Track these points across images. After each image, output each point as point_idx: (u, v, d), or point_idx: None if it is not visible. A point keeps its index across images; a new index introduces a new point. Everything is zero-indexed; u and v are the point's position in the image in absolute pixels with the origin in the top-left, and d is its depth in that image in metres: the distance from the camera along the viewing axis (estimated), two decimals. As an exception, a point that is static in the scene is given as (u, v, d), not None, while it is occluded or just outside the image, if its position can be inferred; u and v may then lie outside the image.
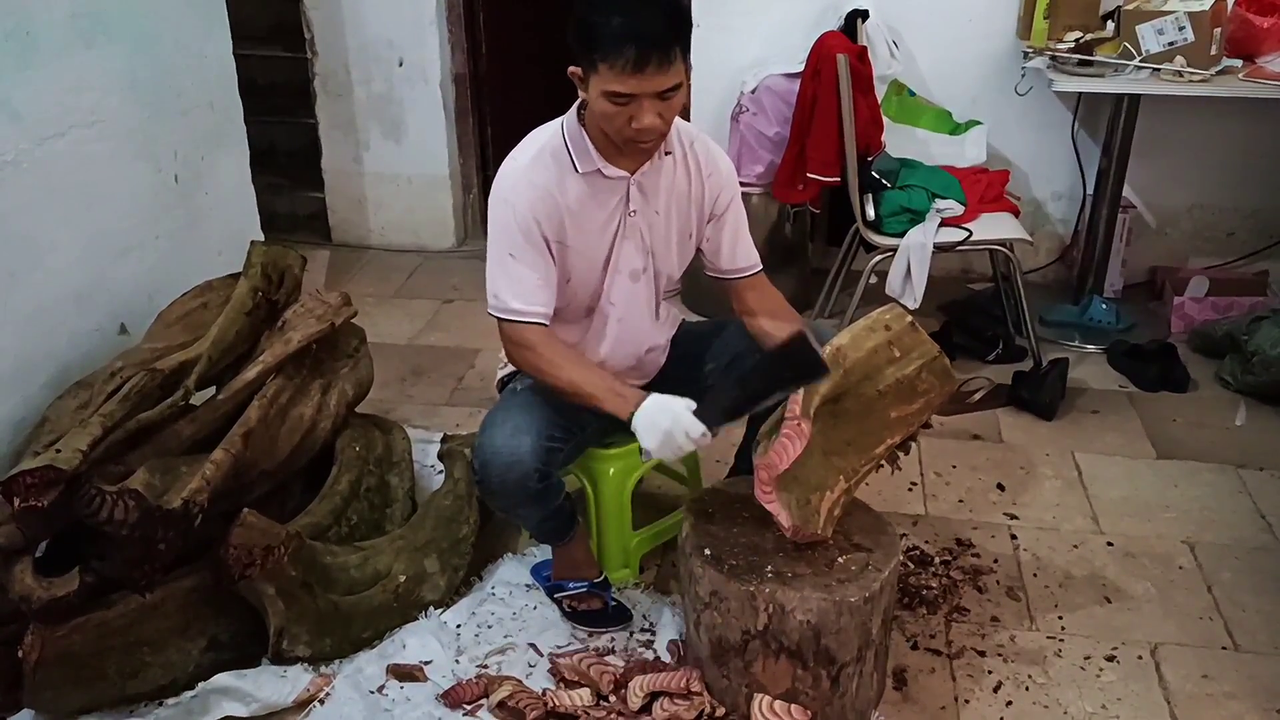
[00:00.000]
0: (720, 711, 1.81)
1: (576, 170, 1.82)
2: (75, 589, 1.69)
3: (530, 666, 1.96)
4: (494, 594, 2.15)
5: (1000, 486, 2.54)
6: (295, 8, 3.72)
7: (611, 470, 2.11)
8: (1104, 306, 3.28)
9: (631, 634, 2.05)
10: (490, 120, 4.02)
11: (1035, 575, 2.23)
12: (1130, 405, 2.91)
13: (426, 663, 1.95)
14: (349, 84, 3.79)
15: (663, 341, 2.08)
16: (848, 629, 1.71)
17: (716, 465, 2.45)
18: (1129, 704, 1.90)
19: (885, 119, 3.10)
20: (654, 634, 2.05)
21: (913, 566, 2.23)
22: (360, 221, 4.00)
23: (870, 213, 2.96)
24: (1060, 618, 2.11)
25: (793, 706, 1.75)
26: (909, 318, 1.80)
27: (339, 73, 3.78)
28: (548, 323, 1.84)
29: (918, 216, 2.92)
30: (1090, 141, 3.44)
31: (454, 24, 3.76)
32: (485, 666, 1.96)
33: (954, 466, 2.62)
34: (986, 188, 3.05)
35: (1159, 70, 2.88)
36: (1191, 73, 2.85)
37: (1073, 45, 2.97)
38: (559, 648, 2.01)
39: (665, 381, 2.10)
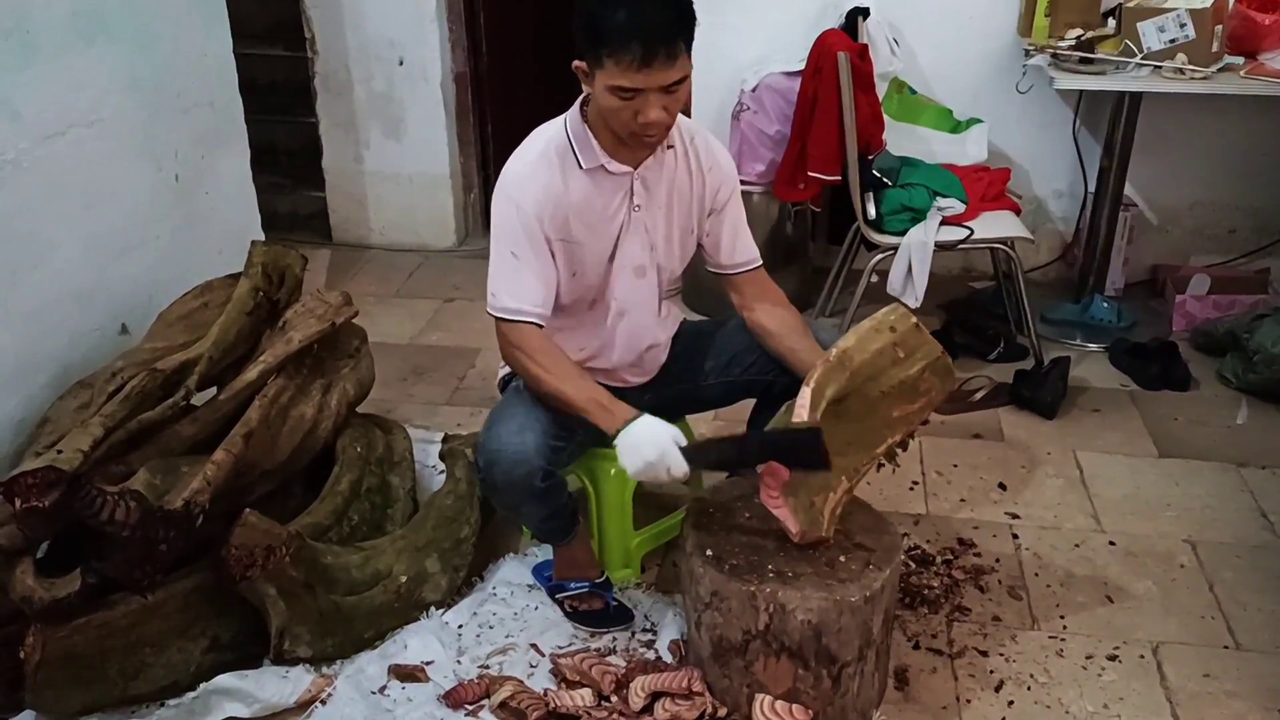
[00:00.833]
0: (722, 711, 1.81)
1: (581, 166, 1.82)
2: (76, 590, 1.69)
3: (532, 667, 1.96)
4: (495, 594, 2.15)
5: (1002, 485, 2.54)
6: (295, 6, 3.71)
7: (613, 470, 2.10)
8: (1105, 305, 3.28)
9: (633, 634, 2.05)
10: (491, 119, 4.02)
11: (1037, 574, 2.23)
12: (1132, 404, 2.91)
13: (428, 663, 1.95)
14: (349, 83, 3.79)
15: (664, 339, 2.08)
16: (849, 629, 1.71)
17: (718, 464, 2.45)
18: (1131, 703, 1.90)
19: (886, 117, 3.10)
20: (655, 634, 2.05)
21: (914, 566, 2.23)
22: (361, 221, 4.00)
23: (871, 211, 2.95)
24: (1062, 617, 2.11)
25: (794, 706, 1.75)
26: (913, 318, 1.80)
27: (339, 71, 3.77)
28: (543, 324, 1.83)
29: (919, 215, 2.92)
30: (1091, 139, 3.43)
31: (454, 22, 3.76)
32: (487, 667, 1.96)
33: (955, 465, 2.62)
34: (988, 186, 3.04)
35: (1160, 68, 2.87)
36: (1193, 70, 2.84)
37: (1074, 43, 2.96)
38: (560, 648, 2.00)
39: (666, 379, 2.10)
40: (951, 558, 2.27)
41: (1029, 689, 1.93)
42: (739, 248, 1.99)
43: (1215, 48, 2.85)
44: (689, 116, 3.34)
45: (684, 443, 1.72)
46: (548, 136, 1.84)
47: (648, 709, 1.82)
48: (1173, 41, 2.86)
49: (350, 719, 1.83)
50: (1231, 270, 3.45)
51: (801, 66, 3.02)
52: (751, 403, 2.15)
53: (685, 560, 1.83)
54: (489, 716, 1.84)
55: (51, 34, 2.18)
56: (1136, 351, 3.07)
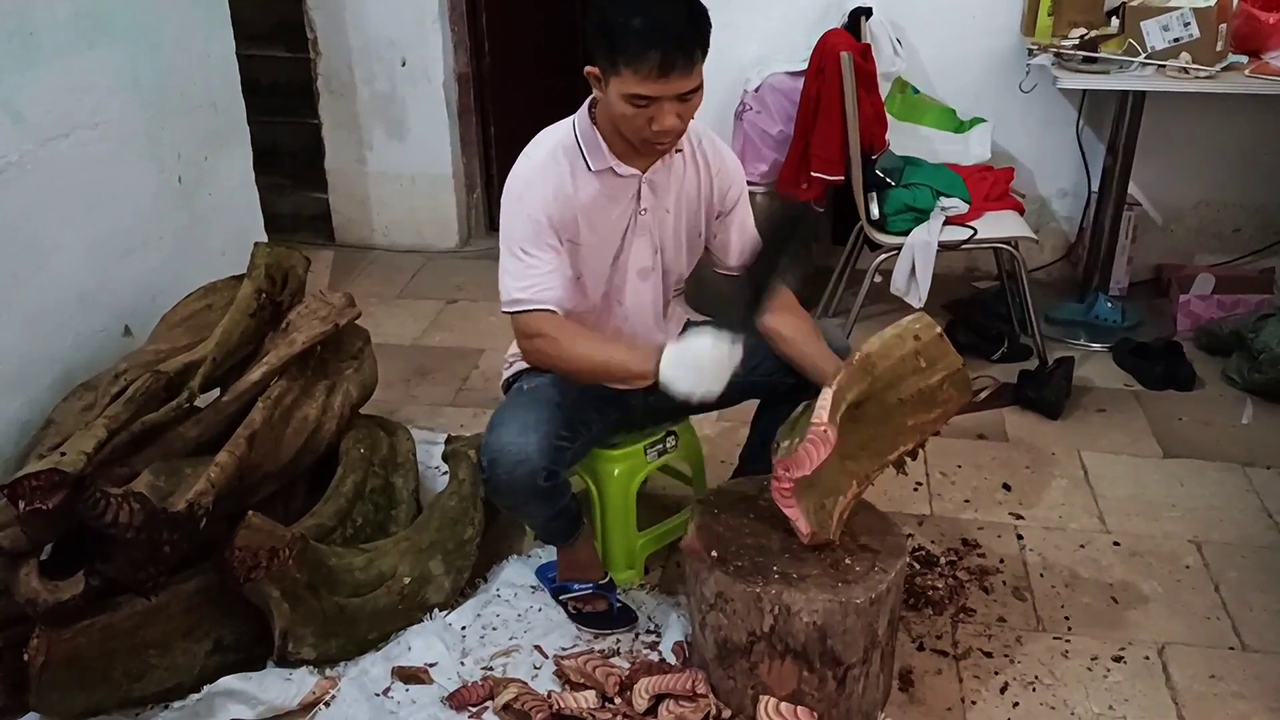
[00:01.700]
0: (726, 713, 1.81)
1: (589, 168, 1.81)
2: (80, 592, 1.69)
3: (535, 668, 1.96)
4: (499, 596, 2.15)
5: (1006, 486, 2.54)
6: (298, 7, 3.71)
7: (616, 471, 2.10)
8: (1109, 304, 3.27)
9: (637, 635, 2.05)
10: (493, 119, 4.01)
11: (1042, 575, 2.23)
12: (1136, 404, 2.90)
13: (431, 665, 1.95)
14: (352, 83, 3.79)
15: (668, 341, 2.07)
16: (854, 630, 1.71)
17: (721, 466, 2.44)
18: (1136, 704, 1.90)
19: (889, 117, 3.09)
20: (659, 635, 2.04)
21: (918, 567, 2.23)
22: (364, 222, 4.00)
23: (874, 211, 2.95)
24: (1067, 618, 2.10)
25: (799, 708, 1.75)
26: (938, 329, 1.80)
27: (342, 72, 3.77)
28: (559, 310, 1.81)
29: (922, 215, 2.92)
30: (1095, 138, 3.43)
31: (456, 23, 3.76)
32: (490, 668, 1.96)
33: (959, 466, 2.62)
34: (991, 185, 3.04)
35: (1164, 67, 2.87)
36: (1197, 69, 2.84)
37: (1077, 42, 2.96)
38: (564, 649, 2.00)
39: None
40: (956, 559, 2.26)
41: (1034, 690, 1.92)
42: (747, 249, 1.99)
43: (1219, 46, 2.85)
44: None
45: (714, 333, 1.66)
46: (556, 138, 1.84)
47: (651, 711, 1.82)
48: (1176, 40, 2.85)
49: (354, 721, 1.83)
50: (1236, 270, 3.44)
51: (804, 66, 3.02)
52: (752, 403, 2.15)
53: (689, 561, 1.83)
54: (492, 718, 1.84)
55: (54, 35, 2.18)
56: (1141, 351, 3.07)
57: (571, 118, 1.85)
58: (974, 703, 1.90)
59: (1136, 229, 3.41)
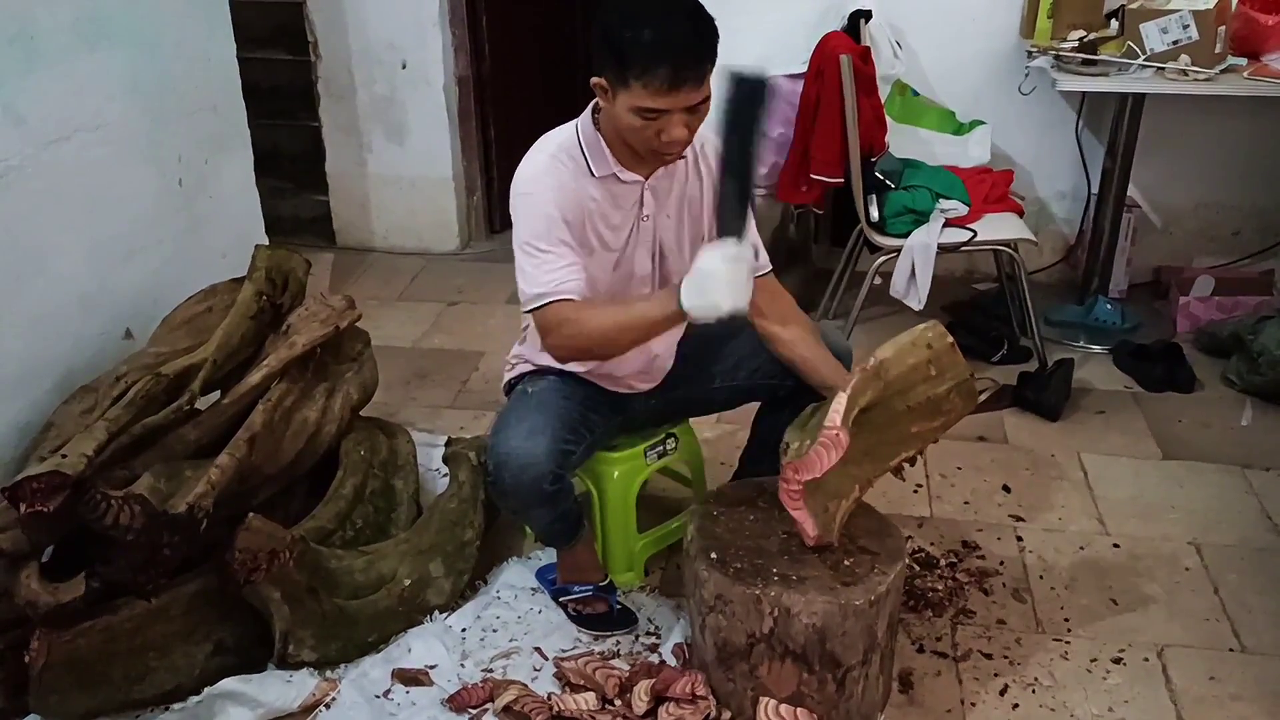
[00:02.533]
0: (726, 715, 1.81)
1: (593, 174, 1.81)
2: (81, 594, 1.69)
3: (535, 670, 1.96)
4: (499, 598, 2.15)
5: (1006, 488, 2.54)
6: (298, 10, 3.72)
7: (616, 473, 2.11)
8: (1109, 306, 3.27)
9: (636, 637, 2.05)
10: (493, 122, 4.02)
11: (1041, 577, 2.23)
12: (1136, 406, 2.90)
13: (431, 667, 1.95)
14: (352, 87, 3.79)
15: (671, 345, 2.08)
16: (853, 632, 1.71)
17: (721, 468, 2.45)
18: (1136, 706, 1.90)
19: (889, 119, 3.09)
20: (659, 637, 2.04)
21: (918, 569, 2.23)
22: (364, 224, 4.00)
23: (874, 213, 2.95)
24: (1066, 620, 2.10)
25: (798, 710, 1.75)
26: (950, 338, 1.80)
27: (342, 75, 3.78)
28: (578, 298, 1.75)
29: (922, 217, 2.92)
30: (1094, 141, 3.43)
31: (457, 26, 3.76)
32: (490, 670, 1.96)
33: (959, 468, 2.62)
34: (990, 188, 3.04)
35: (1163, 69, 2.87)
36: (1196, 71, 2.84)
37: (1076, 44, 2.96)
38: (564, 651, 2.00)
39: (672, 384, 2.10)
40: (956, 560, 2.26)
41: (1034, 692, 1.92)
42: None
43: (1218, 49, 2.85)
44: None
45: (713, 244, 1.61)
46: (559, 141, 1.83)
47: (651, 713, 1.82)
48: (1175, 43, 2.85)
49: (354, 723, 1.83)
50: (1235, 271, 3.44)
51: (804, 69, 3.02)
52: (752, 407, 2.16)
53: (689, 563, 1.83)
54: (493, 720, 1.84)
55: (55, 39, 2.18)
56: (1140, 353, 3.07)
57: (574, 122, 1.85)
58: (973, 704, 1.90)
59: (1136, 231, 3.41)
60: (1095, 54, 2.92)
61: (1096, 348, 3.19)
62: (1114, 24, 3.00)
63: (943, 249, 2.89)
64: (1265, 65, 2.90)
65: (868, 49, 3.03)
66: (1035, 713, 1.88)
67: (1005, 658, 2.00)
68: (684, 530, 1.89)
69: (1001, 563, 2.27)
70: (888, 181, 2.97)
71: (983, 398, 2.89)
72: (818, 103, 2.93)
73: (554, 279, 1.75)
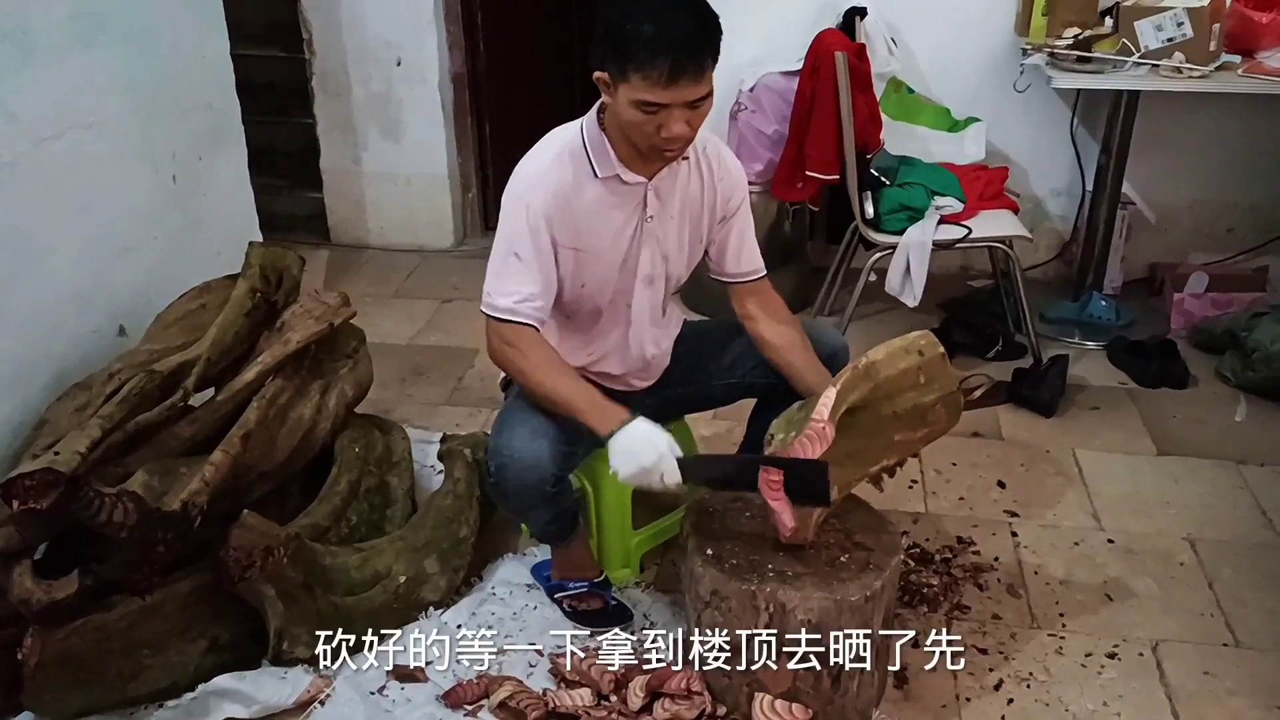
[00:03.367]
0: (721, 711, 1.81)
1: (595, 175, 1.81)
2: (75, 591, 1.68)
3: (530, 666, 1.96)
4: (494, 594, 2.15)
5: (1001, 484, 2.54)
6: (293, 8, 3.71)
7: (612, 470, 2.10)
8: (1104, 303, 3.28)
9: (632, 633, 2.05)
10: (489, 120, 4.01)
11: (1036, 573, 2.23)
12: (1130, 402, 2.91)
13: (427, 663, 1.95)
14: (347, 84, 3.78)
15: (668, 343, 2.08)
16: (849, 628, 1.71)
17: (716, 464, 2.44)
18: (1130, 701, 1.90)
19: (884, 116, 3.10)
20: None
21: (913, 564, 2.23)
22: (359, 221, 3.99)
23: (869, 210, 2.95)
24: (1061, 615, 2.11)
25: (794, 705, 1.75)
26: (941, 348, 1.81)
27: (337, 72, 3.77)
28: (540, 328, 1.82)
29: (917, 214, 2.92)
30: (1089, 138, 3.43)
31: (452, 23, 3.75)
32: (485, 667, 1.96)
33: (954, 464, 2.62)
34: (986, 185, 3.04)
35: (1158, 66, 2.87)
36: (1190, 69, 2.84)
37: (1071, 42, 2.96)
38: (559, 648, 2.00)
39: (669, 381, 2.10)
40: (950, 556, 2.27)
41: (1028, 687, 1.93)
42: (744, 257, 1.99)
43: (1213, 46, 2.85)
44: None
45: (679, 453, 1.71)
46: (563, 141, 1.83)
47: (647, 708, 1.82)
48: (1170, 40, 2.86)
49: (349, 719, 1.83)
50: (1230, 268, 3.45)
51: (799, 66, 3.02)
52: (748, 403, 2.16)
53: (685, 559, 1.83)
54: (488, 717, 1.84)
55: (49, 36, 2.17)
56: (1135, 349, 3.07)
57: (580, 121, 1.84)
58: (969, 700, 1.90)
59: (1130, 228, 3.41)
60: (1090, 51, 2.93)
61: (1091, 344, 3.19)
62: (1109, 21, 3.00)
63: (938, 246, 2.89)
64: (1259, 63, 2.91)
65: (863, 46, 3.03)
66: (1030, 708, 1.89)
67: (1000, 653, 2.00)
68: (680, 526, 1.89)
69: (996, 558, 2.27)
70: (883, 178, 2.98)
71: (978, 394, 2.89)
72: (813, 100, 2.93)
73: (521, 293, 1.79)
